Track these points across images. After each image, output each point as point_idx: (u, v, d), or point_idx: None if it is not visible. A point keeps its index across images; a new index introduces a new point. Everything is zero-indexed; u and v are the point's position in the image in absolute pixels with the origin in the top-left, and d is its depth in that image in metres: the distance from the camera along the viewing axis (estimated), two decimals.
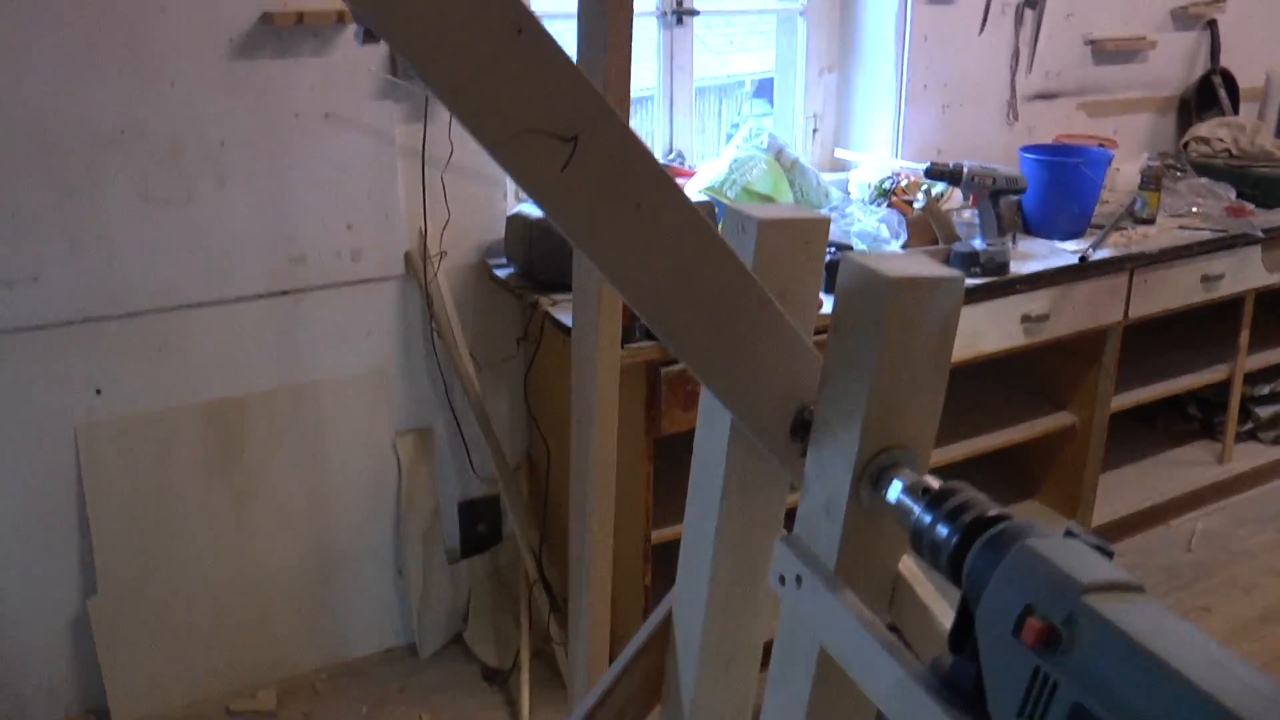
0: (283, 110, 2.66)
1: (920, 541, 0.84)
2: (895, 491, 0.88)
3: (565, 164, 0.83)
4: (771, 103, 3.87)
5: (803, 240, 1.00)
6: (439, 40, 0.79)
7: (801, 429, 0.98)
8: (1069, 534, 0.77)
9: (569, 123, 0.83)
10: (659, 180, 0.87)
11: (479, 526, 3.18)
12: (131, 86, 2.49)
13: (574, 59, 0.85)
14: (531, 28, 0.81)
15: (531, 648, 2.98)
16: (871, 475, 0.90)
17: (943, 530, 0.82)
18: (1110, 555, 0.74)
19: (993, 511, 0.81)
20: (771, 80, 3.83)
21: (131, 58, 2.48)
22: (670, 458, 2.70)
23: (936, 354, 0.89)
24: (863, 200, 3.24)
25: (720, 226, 1.03)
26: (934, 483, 0.86)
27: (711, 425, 1.10)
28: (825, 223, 1.01)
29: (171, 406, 2.71)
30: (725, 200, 2.95)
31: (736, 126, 8.15)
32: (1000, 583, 0.74)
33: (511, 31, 0.80)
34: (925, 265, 0.89)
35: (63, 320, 2.55)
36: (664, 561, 2.71)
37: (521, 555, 3.02)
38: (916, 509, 0.85)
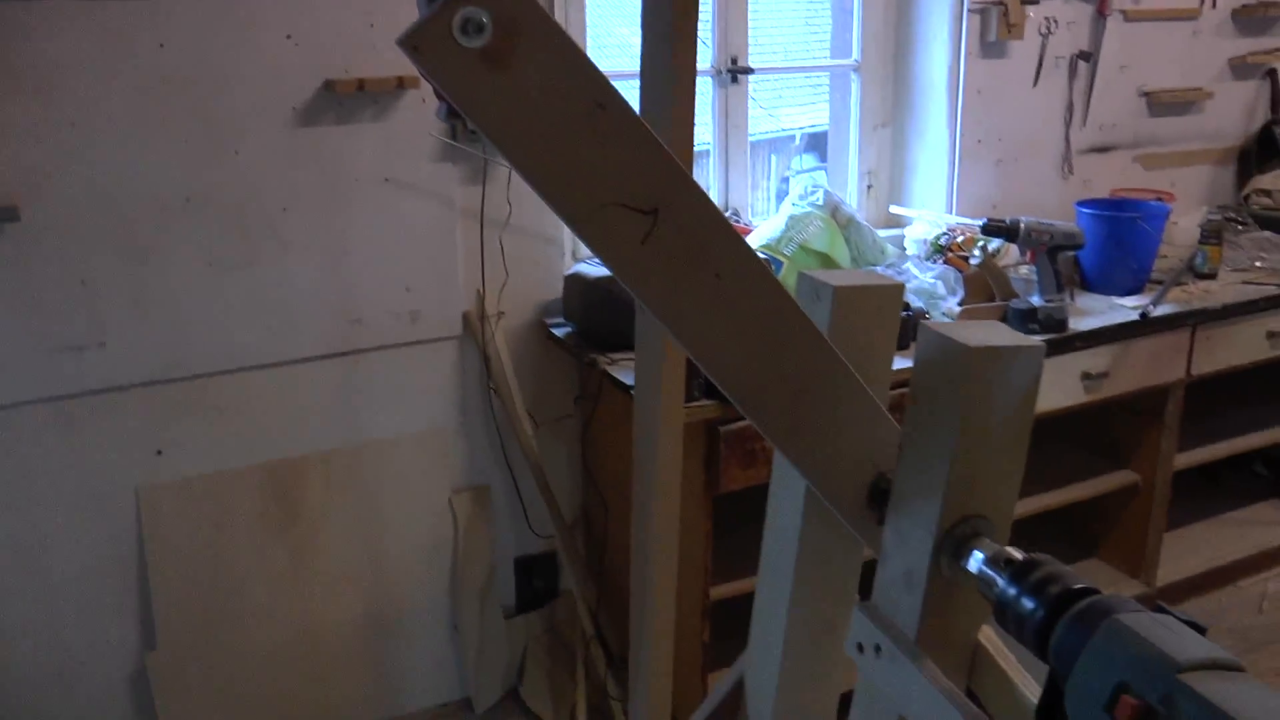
0: (344, 175, 2.70)
1: (1004, 614, 0.83)
2: (977, 562, 0.87)
3: (645, 237, 0.83)
4: (822, 157, 3.89)
5: (877, 307, 1.00)
6: (521, 119, 0.80)
7: (878, 497, 0.98)
8: (1160, 609, 0.76)
9: (649, 196, 0.84)
10: (738, 250, 0.88)
11: (535, 582, 3.18)
12: (198, 155, 2.55)
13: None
14: (613, 104, 0.82)
15: (588, 703, 2.96)
16: (952, 545, 0.89)
17: (1028, 603, 0.81)
18: (1204, 631, 0.73)
19: (1079, 585, 0.80)
20: (822, 134, 3.85)
21: (199, 127, 2.54)
22: (727, 515, 2.70)
23: (1017, 423, 0.88)
24: (919, 257, 3.24)
25: (795, 293, 1.03)
26: (1017, 554, 0.85)
27: (785, 492, 1.10)
28: (900, 289, 1.01)
29: (231, 467, 2.74)
30: (782, 258, 2.96)
31: (788, 181, 8.17)
32: (1091, 659, 0.73)
33: (593, 108, 0.82)
34: (1004, 334, 0.89)
35: (127, 383, 2.60)
36: (722, 618, 2.70)
37: (578, 611, 3.02)
38: (1000, 581, 0.84)
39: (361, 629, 2.95)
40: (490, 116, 0.80)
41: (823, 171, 5.75)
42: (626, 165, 0.83)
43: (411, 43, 0.79)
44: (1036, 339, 0.88)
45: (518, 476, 3.06)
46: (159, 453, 2.67)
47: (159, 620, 2.70)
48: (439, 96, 0.82)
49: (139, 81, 2.46)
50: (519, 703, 3.08)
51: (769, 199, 6.57)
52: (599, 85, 0.82)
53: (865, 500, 0.98)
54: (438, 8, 0.79)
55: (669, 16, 1.67)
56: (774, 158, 7.95)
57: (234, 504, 2.75)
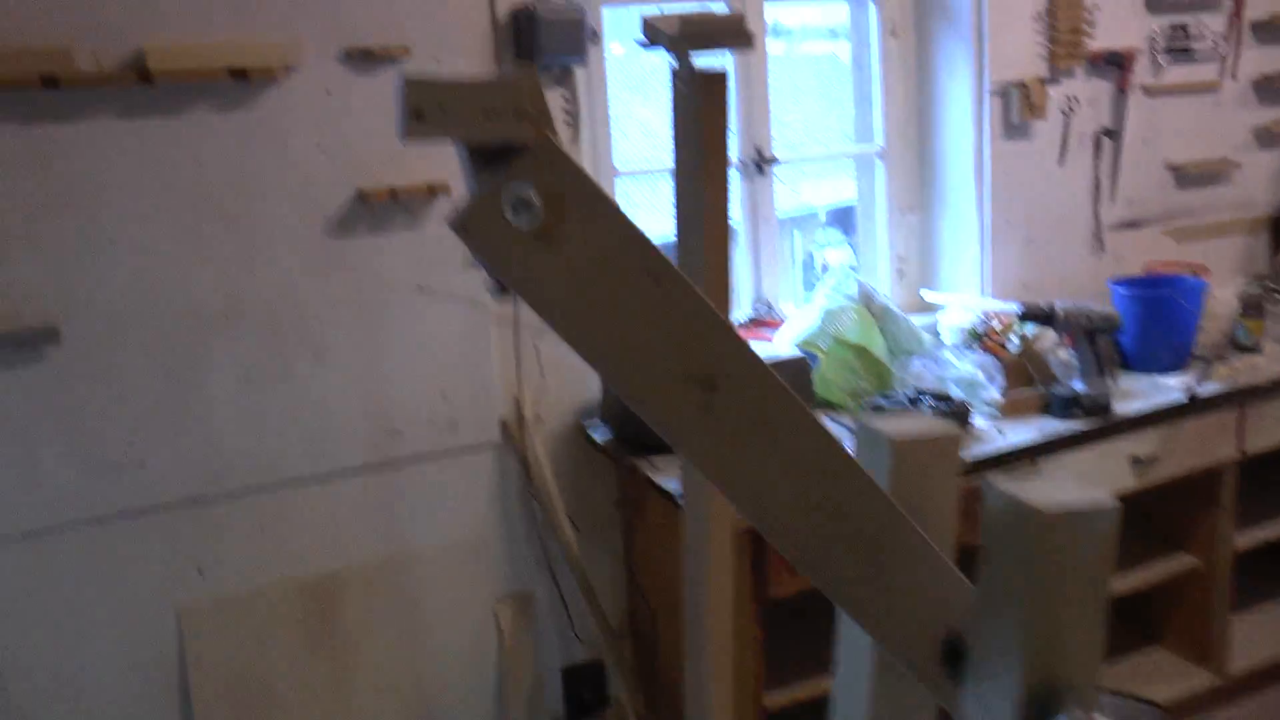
0: (377, 284, 2.71)
1: None
2: None
3: (705, 408, 0.82)
4: (846, 231, 3.89)
5: (938, 457, 0.97)
6: (575, 296, 0.79)
7: (952, 655, 0.94)
8: None
9: (708, 367, 0.82)
10: (796, 415, 0.86)
11: (584, 692, 3.13)
12: (234, 268, 2.57)
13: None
14: (667, 275, 0.81)
15: None
16: (1036, 712, 0.86)
17: None
18: None
19: None
20: (845, 210, 3.85)
21: (233, 241, 2.56)
22: (777, 619, 2.65)
23: (1094, 584, 0.85)
24: (955, 344, 3.20)
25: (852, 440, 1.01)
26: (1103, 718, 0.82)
27: (853, 649, 1.06)
28: (958, 438, 0.99)
29: (271, 583, 2.72)
30: (819, 352, 2.94)
31: (813, 257, 8.12)
32: None
33: (647, 281, 0.80)
34: (1074, 491, 0.86)
35: (166, 502, 2.59)
36: None
37: None
38: None
39: None
40: (543, 294, 0.79)
41: (848, 246, 5.75)
42: (684, 338, 0.82)
43: (460, 224, 0.78)
44: (1109, 499, 0.85)
45: (561, 583, 3.02)
46: (199, 571, 2.66)
47: None
48: (486, 271, 0.82)
49: (176, 197, 2.50)
50: None
51: (793, 276, 6.58)
52: (652, 256, 0.81)
53: (938, 659, 0.95)
54: (487, 186, 0.78)
55: (699, 141, 1.67)
56: (796, 233, 7.97)
57: (275, 620, 2.73)
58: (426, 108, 0.75)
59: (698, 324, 0.82)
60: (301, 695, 2.77)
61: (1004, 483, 0.87)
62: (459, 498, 2.90)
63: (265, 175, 2.57)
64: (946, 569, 0.94)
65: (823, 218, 7.87)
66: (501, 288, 0.80)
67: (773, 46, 3.52)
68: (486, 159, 0.80)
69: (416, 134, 0.76)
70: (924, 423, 0.99)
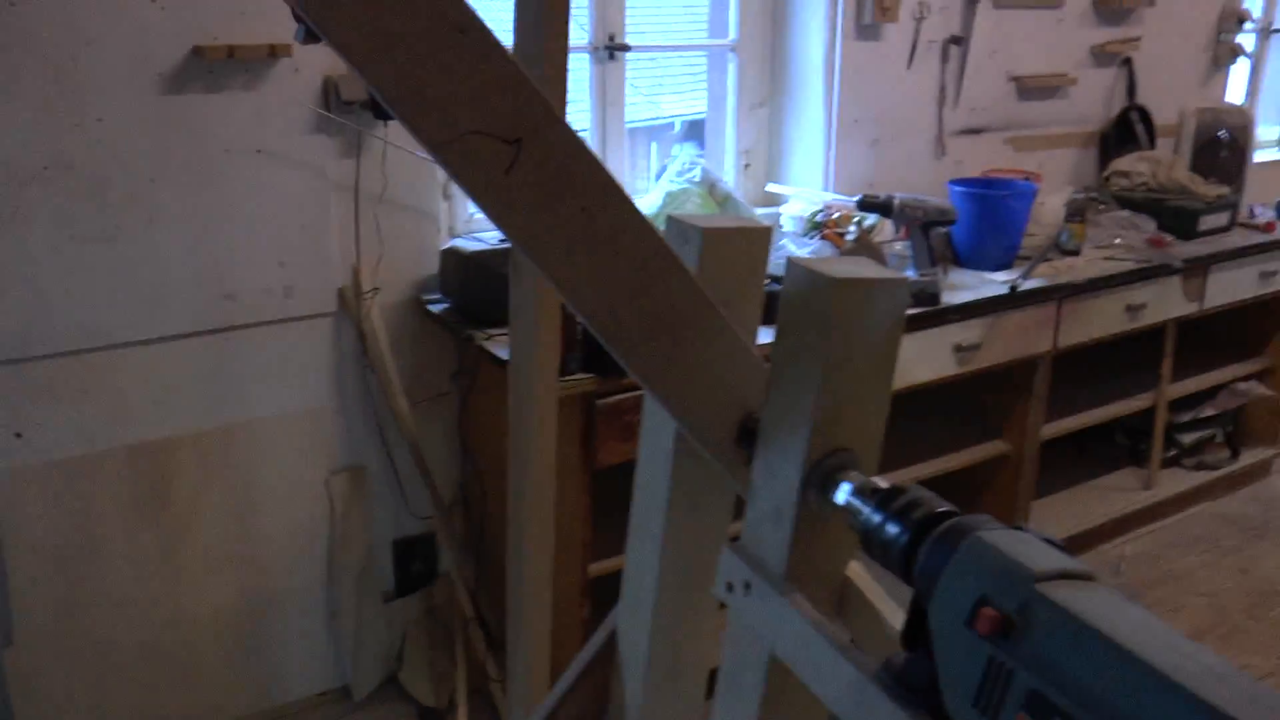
0: (213, 146, 2.61)
1: (870, 541, 0.84)
2: (844, 493, 0.88)
3: (509, 167, 0.82)
4: (702, 145, 3.90)
5: (746, 249, 1.00)
6: (381, 40, 0.78)
7: (748, 437, 0.98)
8: (1018, 528, 0.77)
9: (513, 125, 0.82)
10: (604, 184, 0.87)
11: (414, 565, 3.13)
12: (56, 122, 2.43)
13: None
14: (475, 28, 0.80)
15: (469, 686, 2.93)
16: (819, 478, 0.90)
17: (893, 529, 0.81)
18: (1061, 547, 0.75)
19: (942, 508, 0.81)
20: (701, 123, 3.87)
21: (56, 92, 2.42)
22: (607, 490, 2.69)
23: (882, 356, 0.89)
24: (795, 233, 3.27)
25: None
26: (882, 483, 0.86)
27: (655, 437, 1.09)
28: (768, 232, 1.02)
29: (96, 449, 2.63)
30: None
31: (666, 168, 8.11)
32: (953, 576, 0.74)
33: (454, 31, 0.80)
34: (869, 268, 0.89)
35: None
36: (602, 595, 2.68)
37: (457, 593, 2.98)
38: (866, 509, 0.85)
39: (235, 617, 2.88)
40: (348, 36, 0.78)
41: (703, 158, 5.74)
42: (488, 93, 0.81)
43: None
44: (900, 273, 0.89)
45: (395, 457, 3.01)
46: (18, 435, 2.55)
47: (17, 614, 2.58)
48: (296, 18, 0.79)
49: None
50: (398, 688, 3.03)
51: (651, 186, 6.59)
52: (460, 9, 0.80)
53: (734, 439, 0.98)
54: None
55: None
56: (654, 145, 7.97)
57: (101, 488, 2.65)
58: None
59: (503, 82, 0.82)
60: (127, 564, 2.70)
61: (802, 258, 0.90)
62: (294, 368, 2.84)
63: (92, 24, 2.41)
64: (747, 353, 0.96)
65: (678, 129, 7.88)
66: (309, 33, 0.78)
67: None
68: None
69: None
70: (735, 219, 1.01)
